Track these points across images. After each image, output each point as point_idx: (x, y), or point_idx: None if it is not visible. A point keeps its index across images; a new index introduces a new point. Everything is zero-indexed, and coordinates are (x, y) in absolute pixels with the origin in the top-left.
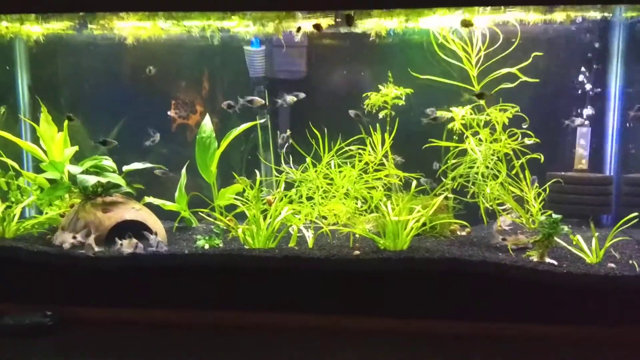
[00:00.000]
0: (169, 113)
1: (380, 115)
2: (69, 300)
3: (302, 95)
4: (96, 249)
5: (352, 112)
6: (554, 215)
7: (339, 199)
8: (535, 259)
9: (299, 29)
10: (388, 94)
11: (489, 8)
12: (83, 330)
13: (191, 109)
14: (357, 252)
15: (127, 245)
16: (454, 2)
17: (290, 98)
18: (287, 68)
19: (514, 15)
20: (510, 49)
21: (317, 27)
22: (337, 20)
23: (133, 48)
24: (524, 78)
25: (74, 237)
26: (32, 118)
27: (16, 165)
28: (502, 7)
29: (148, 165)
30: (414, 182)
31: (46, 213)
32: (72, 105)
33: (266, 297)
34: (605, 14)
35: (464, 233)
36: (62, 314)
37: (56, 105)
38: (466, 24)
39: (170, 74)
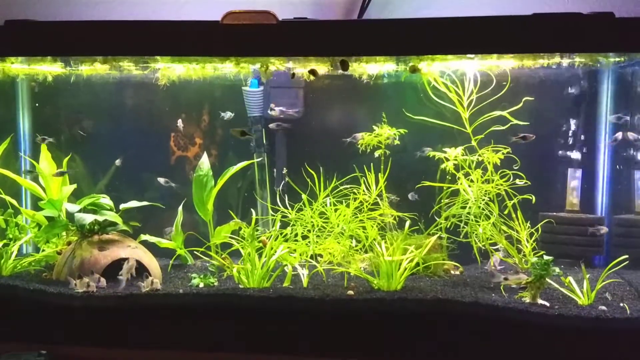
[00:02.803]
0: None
1: (376, 154)
2: (63, 339)
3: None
4: (93, 287)
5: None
6: (546, 257)
7: (334, 238)
8: (527, 300)
9: (293, 74)
10: (382, 134)
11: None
12: None
13: (190, 141)
14: (350, 292)
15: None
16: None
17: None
18: (285, 108)
19: (504, 62)
20: (502, 93)
21: (312, 72)
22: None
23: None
24: (515, 121)
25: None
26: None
27: (15, 202)
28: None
29: (145, 203)
30: (408, 222)
31: (43, 250)
32: (71, 143)
33: (260, 337)
34: (592, 61)
35: (457, 272)
36: (56, 353)
37: (56, 143)
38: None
39: (170, 111)
